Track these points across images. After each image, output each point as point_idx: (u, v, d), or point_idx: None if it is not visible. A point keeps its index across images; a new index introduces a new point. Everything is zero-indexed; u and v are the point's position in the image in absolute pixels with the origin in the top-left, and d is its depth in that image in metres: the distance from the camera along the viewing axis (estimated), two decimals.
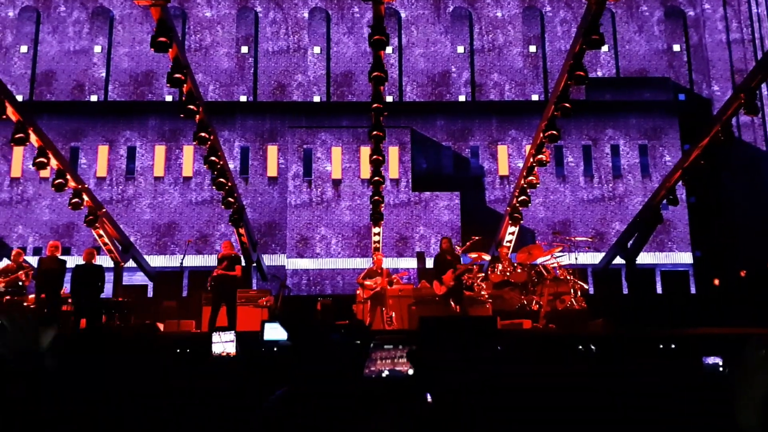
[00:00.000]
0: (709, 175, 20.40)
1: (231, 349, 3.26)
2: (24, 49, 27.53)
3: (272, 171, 25.82)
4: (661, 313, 15.15)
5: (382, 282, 13.12)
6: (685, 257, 24.85)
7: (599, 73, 27.57)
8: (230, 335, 3.77)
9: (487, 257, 14.63)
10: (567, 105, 12.08)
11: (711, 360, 5.51)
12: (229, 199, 14.73)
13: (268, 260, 22.98)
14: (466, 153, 26.13)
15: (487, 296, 13.36)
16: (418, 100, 27.34)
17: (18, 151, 24.60)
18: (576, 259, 14.23)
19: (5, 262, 14.37)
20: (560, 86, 11.94)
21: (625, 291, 21.77)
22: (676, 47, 28.18)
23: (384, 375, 1.93)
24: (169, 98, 26.94)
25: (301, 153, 24.83)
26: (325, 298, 14.66)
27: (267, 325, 3.73)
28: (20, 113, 11.89)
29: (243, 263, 14.44)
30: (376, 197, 16.08)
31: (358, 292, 14.27)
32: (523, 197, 15.39)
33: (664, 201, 15.46)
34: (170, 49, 10.20)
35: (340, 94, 27.46)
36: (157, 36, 9.86)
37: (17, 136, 11.98)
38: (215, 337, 3.39)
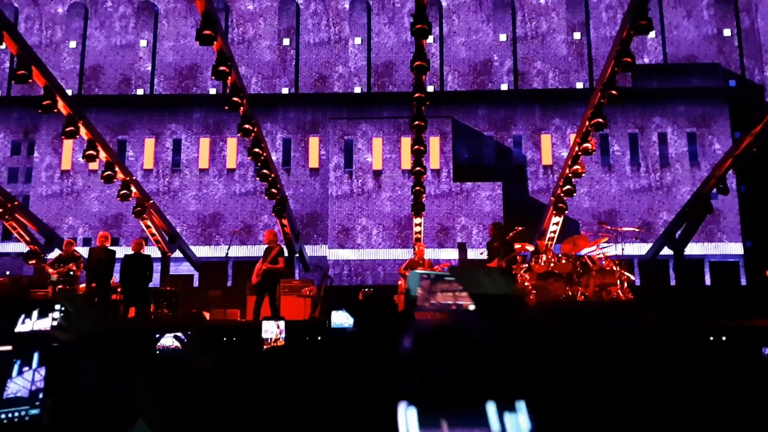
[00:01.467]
0: (760, 163, 19.77)
1: (280, 337, 3.30)
2: (73, 44, 28.22)
3: (314, 162, 25.98)
4: (710, 305, 14.77)
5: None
6: (736, 248, 24.17)
7: (646, 60, 26.91)
8: (278, 324, 3.80)
9: (531, 248, 14.45)
10: (614, 92, 11.80)
11: None
12: (272, 190, 14.86)
13: (310, 251, 23.15)
14: (508, 142, 25.85)
15: (530, 287, 13.19)
16: (459, 89, 27.13)
17: (68, 144, 25.27)
18: (622, 250, 13.94)
19: (57, 253, 14.79)
20: (607, 73, 11.67)
21: (673, 282, 21.29)
22: (727, 32, 27.32)
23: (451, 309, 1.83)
24: (212, 91, 27.31)
25: (342, 144, 24.91)
26: (366, 289, 14.70)
27: (334, 313, 3.78)
28: (70, 107, 12.18)
29: (286, 254, 14.56)
30: (418, 188, 16.01)
31: (399, 282, 14.26)
32: (567, 187, 15.13)
33: (714, 190, 15.02)
34: (215, 42, 10.30)
35: (380, 85, 27.44)
36: (203, 29, 9.97)
37: (68, 129, 12.28)
38: (265, 325, 3.43)
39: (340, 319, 3.86)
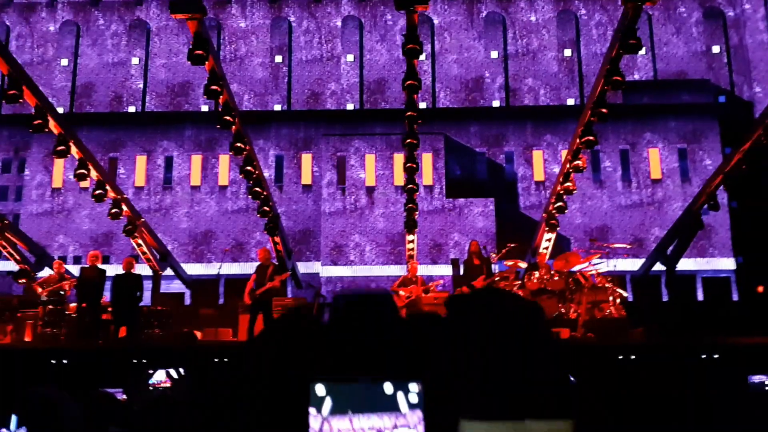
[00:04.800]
0: (751, 179, 19.89)
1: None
2: (65, 62, 28.22)
3: (306, 179, 25.98)
4: (703, 320, 14.77)
5: (417, 290, 13.05)
6: (727, 263, 24.26)
7: (636, 76, 27.13)
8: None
9: (524, 264, 14.46)
10: (604, 110, 11.88)
11: (757, 378, 5.34)
12: (265, 208, 14.84)
13: (302, 268, 23.07)
14: (500, 159, 25.94)
15: None
16: (451, 106, 27.25)
17: (59, 163, 25.18)
18: (615, 266, 13.97)
19: (48, 272, 14.68)
20: (597, 91, 11.76)
21: (665, 298, 21.31)
22: (716, 48, 27.61)
23: None
24: (205, 108, 27.33)
25: (335, 161, 24.94)
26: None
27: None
28: (61, 126, 12.15)
29: (278, 271, 14.49)
30: (410, 205, 16.03)
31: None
32: (559, 204, 15.19)
33: (705, 206, 15.09)
34: (206, 62, 10.32)
35: (373, 102, 27.54)
36: (194, 49, 9.98)
37: (59, 148, 12.24)
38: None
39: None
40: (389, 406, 1.16)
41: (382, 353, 1.30)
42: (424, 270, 21.77)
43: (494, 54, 27.75)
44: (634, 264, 19.42)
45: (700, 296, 24.07)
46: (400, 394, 1.21)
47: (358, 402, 1.18)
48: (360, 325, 1.41)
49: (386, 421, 1.16)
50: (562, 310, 13.04)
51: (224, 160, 25.77)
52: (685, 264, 21.03)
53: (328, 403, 1.17)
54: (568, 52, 27.68)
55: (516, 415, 1.00)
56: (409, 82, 10.74)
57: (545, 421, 0.95)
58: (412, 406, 1.17)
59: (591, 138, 12.65)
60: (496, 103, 27.23)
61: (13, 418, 1.62)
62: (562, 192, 15.01)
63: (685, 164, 25.32)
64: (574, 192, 15.61)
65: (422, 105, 26.10)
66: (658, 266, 16.71)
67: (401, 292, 13.18)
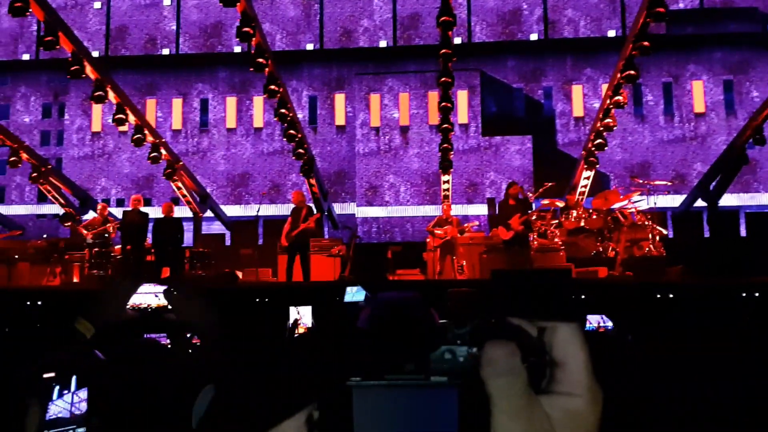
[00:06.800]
0: None
1: (306, 321, 3.31)
2: (98, 5, 28.18)
3: (340, 120, 25.85)
4: (746, 257, 14.53)
5: (452, 231, 13.05)
6: None
7: (681, 5, 25.97)
8: (304, 311, 3.71)
9: (561, 203, 14.30)
10: (646, 43, 11.47)
11: None
12: (300, 150, 14.88)
13: (338, 209, 23.24)
14: (538, 95, 25.37)
15: (560, 243, 13.11)
16: (487, 40, 26.56)
17: (97, 107, 25.48)
18: (655, 203, 13.73)
19: (92, 215, 15.08)
20: (639, 23, 11.33)
21: (707, 235, 20.96)
22: None
23: None
24: (238, 49, 27.15)
25: (369, 100, 24.70)
26: (395, 246, 14.76)
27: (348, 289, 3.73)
28: (98, 71, 12.25)
29: (316, 212, 14.64)
30: (445, 145, 15.88)
31: (428, 240, 14.26)
32: (599, 141, 14.88)
33: (750, 140, 14.65)
34: (238, 3, 10.21)
35: (407, 38, 26.99)
36: None
37: (96, 94, 12.38)
38: (292, 311, 3.39)
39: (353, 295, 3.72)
40: (425, 403, 1.18)
41: (417, 354, 1.32)
42: (459, 210, 21.75)
43: None
44: (675, 201, 19.07)
45: (743, 232, 23.59)
46: (435, 397, 1.22)
47: (396, 401, 1.20)
48: (395, 327, 1.42)
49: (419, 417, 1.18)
50: (601, 248, 12.96)
51: (258, 101, 25.75)
52: (728, 200, 20.56)
53: (366, 401, 1.20)
54: None
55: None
56: (443, 18, 10.49)
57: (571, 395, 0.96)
58: (446, 406, 1.19)
59: (632, 72, 12.27)
60: (534, 37, 26.43)
61: (74, 379, 1.70)
62: (601, 128, 14.69)
63: (730, 97, 24.44)
64: (615, 128, 15.26)
65: (457, 40, 25.48)
66: (700, 203, 16.38)
67: (437, 232, 13.20)
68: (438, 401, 1.23)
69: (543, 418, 0.73)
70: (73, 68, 11.27)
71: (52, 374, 1.64)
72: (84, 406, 1.68)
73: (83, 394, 1.68)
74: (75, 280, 13.07)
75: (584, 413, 0.73)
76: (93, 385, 1.71)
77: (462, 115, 23.83)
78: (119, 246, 12.95)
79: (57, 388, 1.62)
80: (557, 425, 0.73)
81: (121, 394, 1.78)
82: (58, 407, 1.61)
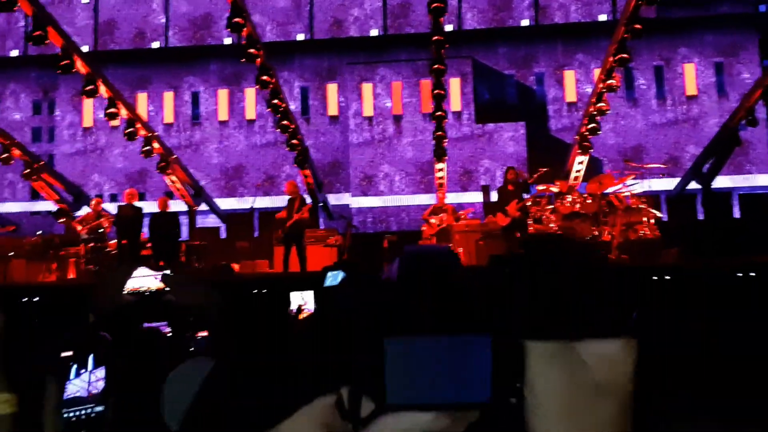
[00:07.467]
0: None
1: (309, 307, 3.31)
2: None
3: (333, 110, 25.78)
4: (740, 238, 14.60)
5: (448, 219, 13.07)
6: (766, 179, 23.73)
7: None
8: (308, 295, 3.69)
9: (555, 188, 14.33)
10: (638, 26, 11.48)
11: None
12: (293, 141, 14.85)
13: (332, 199, 23.22)
14: (530, 81, 25.34)
15: (556, 228, 13.14)
16: (478, 27, 26.48)
17: (88, 102, 25.32)
18: (649, 186, 13.77)
19: (86, 210, 15.03)
20: (630, 7, 11.33)
21: (701, 217, 21.05)
22: None
23: None
24: (228, 41, 27.00)
25: (361, 90, 24.63)
26: (391, 235, 14.77)
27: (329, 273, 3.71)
28: (88, 65, 12.17)
29: (309, 202, 14.62)
30: (439, 133, 15.88)
31: (423, 228, 14.28)
32: (592, 125, 14.91)
33: (743, 122, 14.70)
34: None
35: (397, 27, 26.88)
36: None
37: (87, 88, 12.31)
38: (294, 296, 3.37)
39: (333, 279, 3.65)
40: (460, 359, 1.18)
41: (453, 307, 1.32)
42: (454, 198, 21.74)
43: None
44: (669, 183, 19.13)
45: (737, 214, 23.69)
46: (469, 347, 1.22)
47: (430, 357, 1.20)
48: (429, 279, 1.42)
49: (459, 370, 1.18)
50: (596, 233, 12.99)
51: (250, 93, 25.64)
52: (721, 182, 20.65)
53: (400, 358, 1.20)
54: None
55: (576, 335, 1.01)
56: (434, 5, 10.46)
57: (605, 340, 0.96)
58: (479, 359, 1.19)
59: (625, 56, 12.29)
60: (524, 23, 26.36)
61: (90, 358, 1.71)
62: (594, 113, 14.72)
63: (721, 79, 24.47)
64: (608, 112, 15.29)
65: (449, 27, 25.40)
66: (694, 185, 16.44)
67: (432, 220, 13.22)
68: (471, 349, 1.22)
69: (578, 362, 0.73)
70: (62, 63, 11.21)
71: (70, 353, 1.65)
72: (101, 385, 1.68)
73: (100, 373, 1.68)
74: (71, 276, 13.04)
75: (620, 358, 0.73)
76: (111, 364, 1.72)
77: (455, 102, 23.79)
78: (114, 241, 12.93)
79: (74, 367, 1.62)
80: (593, 370, 0.73)
81: (137, 374, 1.78)
82: (75, 387, 1.61)
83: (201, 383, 1.48)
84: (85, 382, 1.69)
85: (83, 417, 1.64)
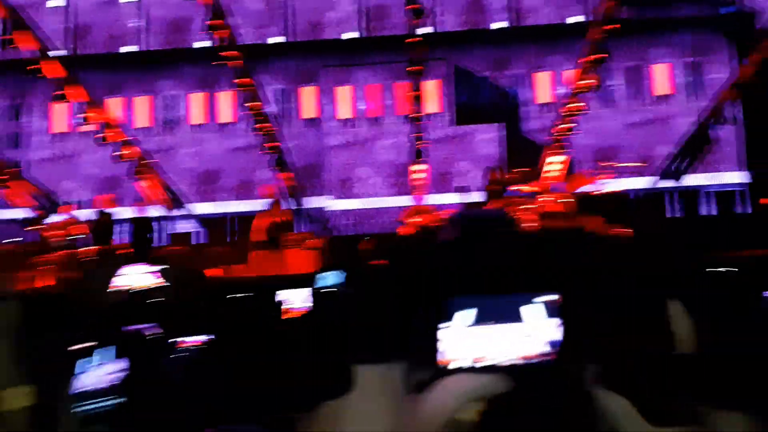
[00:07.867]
0: (761, 91, 19.60)
1: (306, 304, 3.31)
2: (59, 2, 27.57)
3: (309, 113, 25.72)
4: (710, 235, 14.88)
5: (429, 220, 13.12)
6: (735, 177, 24.18)
7: None
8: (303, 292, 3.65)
9: (531, 188, 14.47)
10: (610, 27, 11.66)
11: None
12: (270, 144, 14.80)
13: (310, 203, 23.17)
14: (505, 82, 25.54)
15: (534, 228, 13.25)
16: (453, 29, 26.62)
17: (60, 107, 24.96)
18: (622, 185, 13.99)
19: (56, 218, 14.82)
20: (602, 8, 11.50)
21: (671, 214, 21.40)
22: None
23: None
24: (202, 44, 26.80)
25: (337, 92, 24.62)
26: (368, 239, 14.76)
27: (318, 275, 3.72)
28: (60, 70, 12.03)
29: (286, 207, 14.60)
30: (416, 134, 15.95)
31: (398, 231, 14.31)
32: (566, 125, 15.10)
33: (713, 120, 14.99)
34: None
35: (374, 29, 26.91)
36: None
37: (59, 93, 12.17)
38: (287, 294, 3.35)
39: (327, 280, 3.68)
40: (520, 318, 1.21)
41: (509, 269, 1.34)
42: (432, 199, 21.81)
43: None
44: (641, 182, 19.43)
45: (706, 211, 24.10)
46: (532, 307, 1.25)
47: (490, 315, 1.23)
48: (484, 240, 1.44)
49: (518, 331, 1.21)
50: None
51: (225, 97, 25.46)
52: (692, 179, 21.03)
53: (460, 317, 1.22)
54: None
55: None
56: (411, 6, 10.51)
57: None
58: (544, 317, 1.22)
59: (598, 56, 12.47)
60: (495, 25, 26.55)
61: (113, 350, 1.70)
62: (568, 113, 14.91)
63: (691, 79, 24.91)
64: (581, 112, 15.50)
65: (424, 30, 25.49)
66: (665, 183, 16.71)
67: (413, 221, 13.27)
68: (529, 307, 1.25)
69: None
70: (34, 67, 11.07)
71: (87, 345, 1.64)
72: (120, 377, 1.67)
73: (121, 365, 1.67)
74: (46, 283, 12.84)
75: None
76: (132, 356, 1.71)
77: (431, 104, 23.87)
78: (86, 248, 12.76)
79: (93, 359, 1.61)
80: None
81: (156, 367, 1.78)
82: (96, 378, 1.60)
83: (194, 384, 1.48)
84: (105, 373, 1.68)
85: (102, 409, 1.64)
